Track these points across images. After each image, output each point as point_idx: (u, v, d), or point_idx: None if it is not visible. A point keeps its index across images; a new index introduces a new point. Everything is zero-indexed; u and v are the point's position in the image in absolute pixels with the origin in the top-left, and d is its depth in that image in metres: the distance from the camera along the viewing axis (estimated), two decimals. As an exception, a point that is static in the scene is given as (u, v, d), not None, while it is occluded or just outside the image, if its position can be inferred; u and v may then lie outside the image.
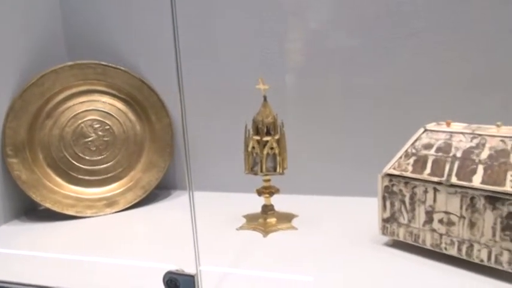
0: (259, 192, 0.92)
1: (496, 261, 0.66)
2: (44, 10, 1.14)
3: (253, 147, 0.89)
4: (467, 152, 0.71)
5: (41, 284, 0.73)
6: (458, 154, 0.71)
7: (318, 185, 1.06)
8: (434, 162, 0.73)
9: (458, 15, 0.93)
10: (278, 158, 0.88)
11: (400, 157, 0.78)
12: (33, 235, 0.97)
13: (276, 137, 0.89)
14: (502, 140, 0.69)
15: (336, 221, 0.93)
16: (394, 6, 0.96)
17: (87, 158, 1.10)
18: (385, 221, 0.79)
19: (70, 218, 1.03)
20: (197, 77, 1.09)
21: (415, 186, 0.74)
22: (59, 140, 1.08)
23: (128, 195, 1.10)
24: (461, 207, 0.69)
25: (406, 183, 0.75)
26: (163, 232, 0.94)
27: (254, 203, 0.95)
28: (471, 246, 0.69)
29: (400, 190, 0.76)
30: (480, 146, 0.70)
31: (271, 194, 0.92)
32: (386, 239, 0.81)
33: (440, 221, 0.72)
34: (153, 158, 1.14)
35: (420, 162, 0.75)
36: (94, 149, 1.10)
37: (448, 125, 0.77)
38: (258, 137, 0.88)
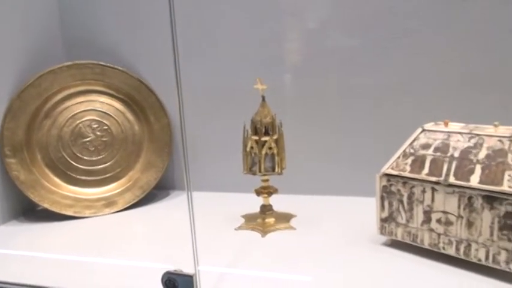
0: (258, 192, 0.92)
1: (494, 260, 0.67)
2: (41, 10, 1.14)
3: (251, 147, 0.89)
4: (465, 152, 0.71)
5: (39, 284, 0.73)
6: (456, 154, 0.72)
7: (316, 185, 1.06)
8: (432, 162, 0.73)
9: (456, 15, 0.93)
10: (276, 158, 0.88)
11: (398, 157, 0.78)
12: (31, 235, 0.97)
13: (275, 137, 0.89)
14: (499, 140, 0.69)
15: (334, 221, 0.93)
16: (392, 6, 0.96)
17: (85, 158, 1.09)
18: (383, 220, 0.79)
19: (68, 218, 1.03)
20: (196, 77, 1.09)
21: (413, 186, 0.74)
22: (57, 140, 1.07)
23: (126, 196, 1.10)
24: (459, 207, 0.69)
25: (404, 183, 0.75)
26: (162, 232, 0.94)
27: (252, 203, 0.95)
28: (469, 245, 0.69)
29: (398, 190, 0.76)
30: (478, 145, 0.70)
31: (269, 194, 0.92)
32: (384, 238, 0.81)
33: (438, 221, 0.72)
34: (152, 158, 1.14)
35: (418, 162, 0.75)
36: (92, 149, 1.10)
37: (446, 125, 0.77)
38: (256, 137, 0.88)
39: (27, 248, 0.90)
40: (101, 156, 1.11)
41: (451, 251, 0.71)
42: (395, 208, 0.77)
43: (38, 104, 1.05)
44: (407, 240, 0.77)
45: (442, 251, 0.72)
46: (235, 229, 0.92)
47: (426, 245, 0.74)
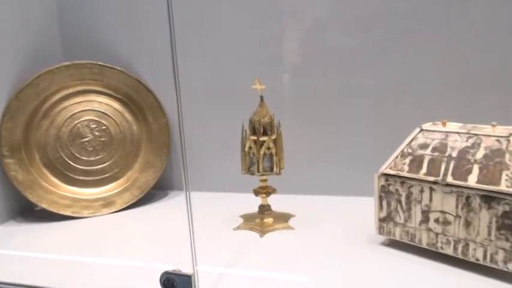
0: (256, 192, 0.93)
1: (492, 260, 0.67)
2: (40, 10, 1.13)
3: (250, 147, 0.89)
4: (463, 152, 0.71)
5: (37, 284, 0.73)
6: (454, 154, 0.72)
7: (314, 185, 1.06)
8: (430, 161, 0.74)
9: (456, 15, 0.93)
10: (275, 158, 0.89)
11: (396, 157, 0.78)
12: (29, 236, 0.97)
13: (273, 137, 0.89)
14: (497, 140, 0.69)
15: (332, 221, 0.93)
16: (392, 6, 0.96)
17: (83, 158, 1.09)
18: (382, 220, 0.79)
19: (67, 218, 1.03)
20: (194, 77, 1.09)
21: (411, 186, 0.74)
22: (56, 141, 1.07)
23: (124, 196, 1.10)
24: (457, 207, 0.69)
25: (402, 183, 0.75)
26: (160, 232, 0.94)
27: (251, 203, 0.95)
28: (467, 245, 0.69)
29: (397, 190, 0.76)
30: (475, 145, 0.71)
31: (268, 194, 0.92)
32: (382, 238, 0.81)
33: (436, 221, 0.72)
34: (150, 158, 1.14)
35: (416, 162, 0.75)
36: (91, 149, 1.10)
37: (444, 124, 0.77)
38: (254, 137, 0.88)
39: (25, 249, 0.90)
40: (99, 157, 1.10)
41: (449, 251, 0.72)
42: (394, 208, 0.77)
43: (36, 104, 1.05)
44: (406, 240, 0.77)
45: (440, 251, 0.72)
46: (234, 229, 0.92)
47: (424, 245, 0.74)
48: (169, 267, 0.63)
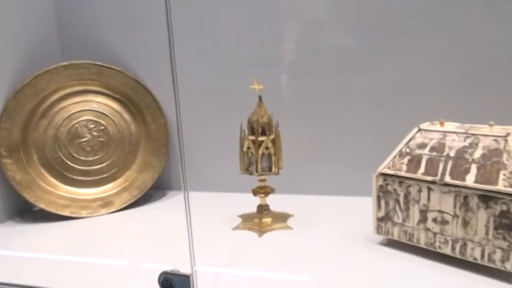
0: (255, 192, 0.93)
1: (489, 259, 0.67)
2: (38, 10, 1.13)
3: (248, 147, 0.89)
4: (461, 152, 0.71)
5: (35, 285, 0.73)
6: (452, 153, 0.72)
7: (313, 185, 1.06)
8: (428, 161, 0.74)
9: (456, 15, 0.93)
10: (273, 157, 0.89)
11: (395, 156, 0.78)
12: (27, 236, 0.97)
13: (271, 137, 0.89)
14: (495, 140, 0.69)
15: (331, 221, 0.93)
16: (392, 6, 0.96)
17: (82, 158, 1.09)
18: (380, 220, 0.79)
19: (65, 218, 1.03)
20: (192, 77, 1.09)
21: (409, 186, 0.75)
22: (54, 141, 1.07)
23: (123, 196, 1.10)
24: (454, 206, 0.70)
25: (400, 183, 0.76)
26: (159, 232, 0.94)
27: (249, 203, 0.95)
28: (465, 244, 0.69)
29: (395, 189, 0.76)
30: (473, 145, 0.71)
31: (266, 193, 0.92)
32: (380, 238, 0.81)
33: (434, 220, 0.72)
34: (149, 159, 1.14)
35: (414, 162, 0.75)
36: (89, 149, 1.10)
37: (442, 124, 0.78)
38: (253, 137, 0.88)
39: (23, 249, 0.90)
40: (98, 157, 1.10)
41: (446, 250, 0.72)
42: (392, 207, 0.77)
43: (34, 104, 1.05)
44: (404, 240, 0.77)
45: (438, 250, 0.73)
46: (232, 229, 0.92)
47: (422, 244, 0.74)
48: (168, 267, 0.63)
